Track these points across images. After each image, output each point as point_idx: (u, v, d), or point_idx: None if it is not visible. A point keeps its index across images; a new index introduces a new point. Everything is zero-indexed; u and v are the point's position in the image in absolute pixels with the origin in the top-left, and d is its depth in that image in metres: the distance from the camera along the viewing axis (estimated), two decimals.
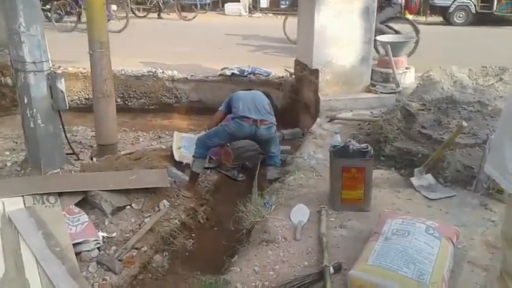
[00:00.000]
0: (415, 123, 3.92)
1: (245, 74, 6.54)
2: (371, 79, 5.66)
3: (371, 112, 4.96)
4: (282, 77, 6.51)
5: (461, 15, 13.43)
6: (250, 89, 4.72)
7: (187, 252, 3.63)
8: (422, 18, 14.57)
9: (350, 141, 3.20)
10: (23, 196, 3.55)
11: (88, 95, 6.77)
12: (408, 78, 5.87)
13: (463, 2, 13.29)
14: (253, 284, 2.47)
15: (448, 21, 13.56)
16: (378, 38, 5.77)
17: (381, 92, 5.42)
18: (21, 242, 3.15)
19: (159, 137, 5.82)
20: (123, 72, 6.78)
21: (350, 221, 3.03)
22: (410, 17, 8.35)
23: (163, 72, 6.86)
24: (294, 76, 6.22)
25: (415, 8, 8.36)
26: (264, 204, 3.23)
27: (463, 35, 11.46)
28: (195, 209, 4.03)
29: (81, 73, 6.77)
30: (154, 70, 6.89)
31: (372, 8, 5.37)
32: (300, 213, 3.05)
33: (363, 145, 3.20)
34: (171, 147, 4.91)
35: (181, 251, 3.59)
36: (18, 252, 3.07)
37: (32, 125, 3.87)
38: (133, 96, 6.84)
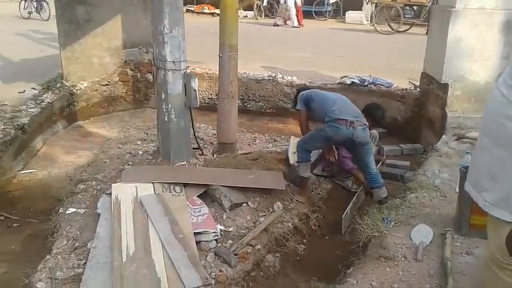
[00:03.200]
0: None
1: (365, 83, 6.41)
2: None
3: None
4: (405, 89, 6.26)
5: None
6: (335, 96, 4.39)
7: (298, 256, 3.66)
8: None
9: None
10: (153, 183, 3.89)
11: (211, 94, 7.15)
12: None
13: None
14: None
15: None
16: None
17: None
18: (149, 225, 3.44)
19: (274, 140, 5.94)
20: (245, 75, 7.04)
21: (478, 249, 2.82)
22: None
23: (282, 77, 7.00)
24: (419, 89, 5.95)
25: None
26: (383, 219, 3.14)
27: None
28: (307, 214, 4.06)
29: (207, 74, 7.17)
30: (274, 75, 7.06)
31: None
32: (423, 234, 2.91)
33: None
34: (287, 151, 5.00)
35: (293, 254, 3.63)
36: (147, 234, 3.35)
37: (166, 119, 4.19)
38: (252, 99, 7.07)
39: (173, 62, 4.02)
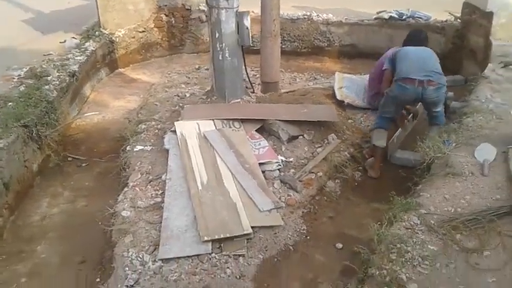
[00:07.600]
0: None
1: (404, 17, 6.36)
2: None
3: None
4: (446, 21, 6.20)
5: None
6: (418, 45, 4.04)
7: (355, 182, 3.86)
8: None
9: None
10: (213, 120, 4.07)
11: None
12: None
13: None
14: (446, 209, 2.61)
15: None
16: None
17: None
18: (217, 158, 3.64)
19: (314, 78, 6.03)
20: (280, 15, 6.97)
21: None
22: None
23: (318, 15, 6.96)
24: (459, 20, 5.89)
25: None
26: (444, 142, 3.28)
27: None
28: (360, 145, 4.22)
29: None
30: (309, 13, 7.01)
31: None
32: (486, 152, 3.06)
33: None
34: (333, 87, 5.08)
35: (351, 181, 3.84)
36: (216, 166, 3.56)
37: (220, 58, 4.29)
38: (287, 40, 7.04)
39: (227, 0, 4.06)
